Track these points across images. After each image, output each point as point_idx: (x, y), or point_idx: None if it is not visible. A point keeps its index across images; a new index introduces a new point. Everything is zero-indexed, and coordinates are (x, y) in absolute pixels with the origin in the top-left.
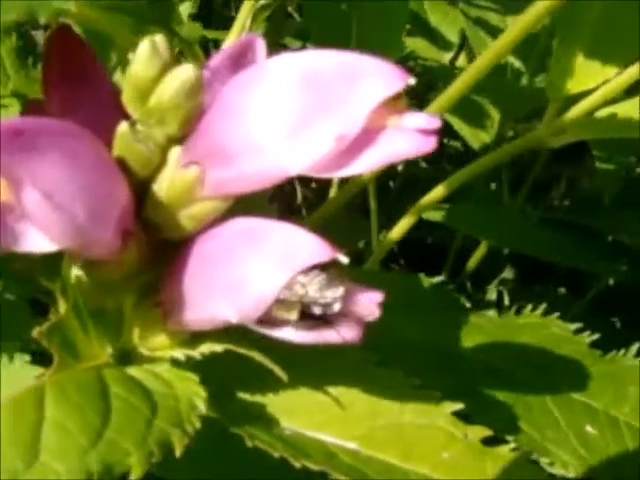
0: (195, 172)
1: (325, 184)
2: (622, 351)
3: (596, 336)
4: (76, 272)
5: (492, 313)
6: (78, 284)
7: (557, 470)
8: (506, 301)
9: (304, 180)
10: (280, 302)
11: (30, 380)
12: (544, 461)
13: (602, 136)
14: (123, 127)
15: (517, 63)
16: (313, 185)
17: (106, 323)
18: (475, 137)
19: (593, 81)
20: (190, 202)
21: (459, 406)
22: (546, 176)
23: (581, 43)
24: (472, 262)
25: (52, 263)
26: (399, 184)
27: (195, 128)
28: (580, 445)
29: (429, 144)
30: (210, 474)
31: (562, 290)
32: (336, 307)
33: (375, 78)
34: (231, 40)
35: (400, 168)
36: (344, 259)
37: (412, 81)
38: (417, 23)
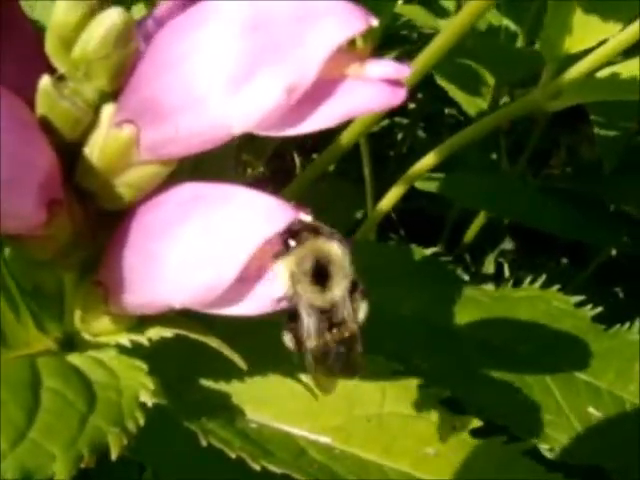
0: (129, 132)
1: None
2: (627, 325)
3: (599, 309)
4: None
5: (490, 286)
6: (10, 261)
7: (558, 456)
8: (506, 273)
9: (302, 149)
10: None
11: None
12: (543, 447)
13: (602, 98)
14: (45, 82)
15: (512, 26)
16: (314, 156)
17: (46, 305)
18: (470, 103)
19: (593, 39)
20: (126, 167)
21: (446, 393)
22: (545, 144)
23: None
24: (470, 232)
25: None
26: (397, 153)
27: (128, 81)
28: (583, 429)
29: (397, 96)
30: None
31: (564, 260)
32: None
33: (330, 18)
34: None
35: (399, 137)
36: (307, 218)
37: (375, 22)
38: None
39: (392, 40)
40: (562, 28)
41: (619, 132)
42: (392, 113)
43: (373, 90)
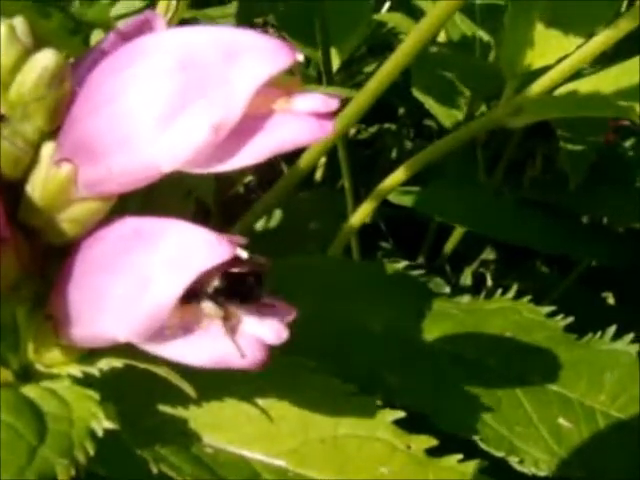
0: (67, 170)
1: None
2: (599, 334)
3: (570, 319)
4: None
5: (466, 297)
6: None
7: (528, 469)
8: (488, 281)
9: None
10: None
11: None
12: (513, 460)
13: (564, 115)
14: None
15: (486, 37)
16: None
17: (3, 337)
18: (446, 115)
19: (554, 55)
20: (67, 203)
21: (400, 414)
22: (522, 155)
23: (539, 10)
24: (451, 242)
25: None
26: (386, 162)
27: (65, 120)
28: (553, 440)
29: (324, 129)
30: None
31: (552, 266)
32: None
33: (255, 55)
34: None
35: (389, 141)
36: (244, 255)
37: (300, 57)
38: None
39: (376, 48)
40: (521, 44)
41: (586, 147)
42: (381, 119)
43: (300, 124)
